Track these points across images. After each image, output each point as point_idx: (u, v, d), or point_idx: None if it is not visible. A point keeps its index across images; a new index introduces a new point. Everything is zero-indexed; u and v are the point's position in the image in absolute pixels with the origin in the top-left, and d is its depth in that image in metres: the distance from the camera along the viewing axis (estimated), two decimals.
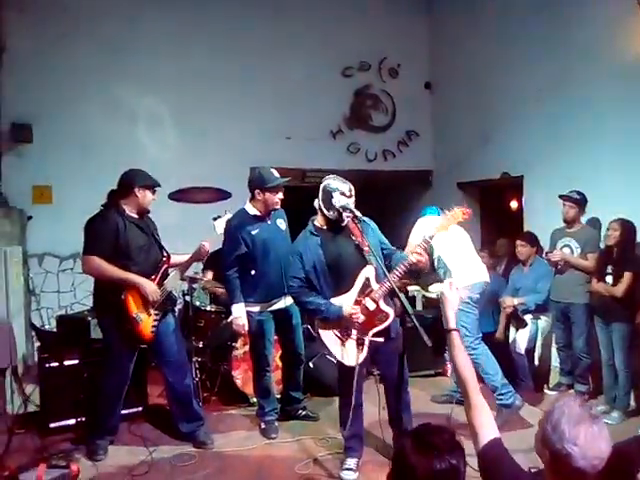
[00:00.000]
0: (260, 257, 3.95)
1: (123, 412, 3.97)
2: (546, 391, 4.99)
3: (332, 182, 3.40)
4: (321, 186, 3.42)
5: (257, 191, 3.92)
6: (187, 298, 4.83)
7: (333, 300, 3.37)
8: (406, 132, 7.37)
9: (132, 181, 3.70)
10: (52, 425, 3.97)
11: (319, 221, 3.48)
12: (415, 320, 2.73)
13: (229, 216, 3.98)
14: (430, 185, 7.58)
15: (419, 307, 6.07)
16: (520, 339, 4.98)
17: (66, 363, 4.04)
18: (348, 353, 3.37)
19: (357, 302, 3.35)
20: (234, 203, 6.22)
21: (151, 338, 3.70)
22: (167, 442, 3.93)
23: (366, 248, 3.32)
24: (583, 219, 4.82)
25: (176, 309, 4.14)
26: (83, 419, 3.97)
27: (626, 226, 4.28)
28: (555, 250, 4.77)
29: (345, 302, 3.35)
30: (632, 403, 4.38)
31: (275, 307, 4.07)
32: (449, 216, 3.39)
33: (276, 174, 3.97)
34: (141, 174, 3.76)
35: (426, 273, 4.61)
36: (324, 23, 6.85)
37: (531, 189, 5.94)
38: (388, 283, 3.26)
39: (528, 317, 5.02)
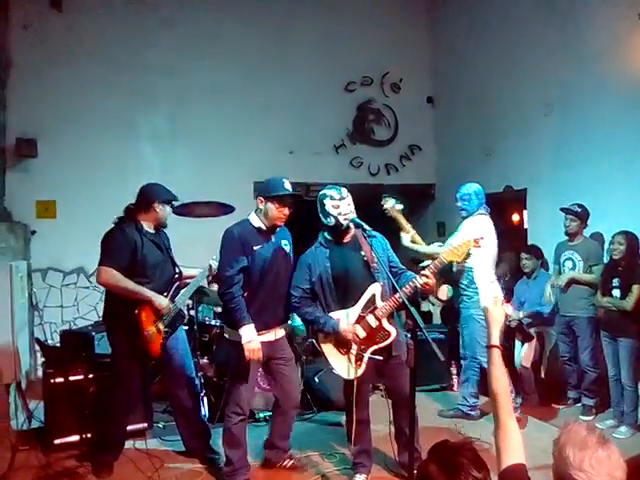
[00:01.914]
0: (257, 277, 3.40)
1: (128, 428, 3.93)
2: (552, 405, 4.95)
3: (324, 190, 3.41)
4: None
5: (260, 199, 3.43)
6: (192, 313, 4.80)
7: (337, 313, 3.36)
8: (408, 146, 7.41)
9: (153, 195, 3.68)
10: (56, 442, 3.92)
11: (329, 233, 3.47)
12: (426, 334, 2.71)
13: None
14: (433, 199, 7.60)
15: (437, 321, 6.02)
16: (526, 353, 4.95)
17: (71, 379, 4.00)
18: (346, 367, 3.37)
19: (360, 318, 3.34)
20: (238, 217, 6.23)
21: (159, 354, 3.66)
22: (173, 459, 3.90)
23: (374, 264, 3.31)
24: (586, 233, 4.82)
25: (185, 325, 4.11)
26: (88, 435, 3.92)
27: (631, 239, 4.28)
28: (558, 279, 4.78)
29: (348, 316, 3.34)
30: None
31: (263, 338, 3.44)
32: (462, 244, 3.37)
33: (287, 185, 3.43)
34: (161, 188, 3.75)
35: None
36: (327, 39, 6.92)
37: (534, 203, 5.96)
38: (393, 302, 3.25)
39: (533, 330, 5.01)
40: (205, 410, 4.50)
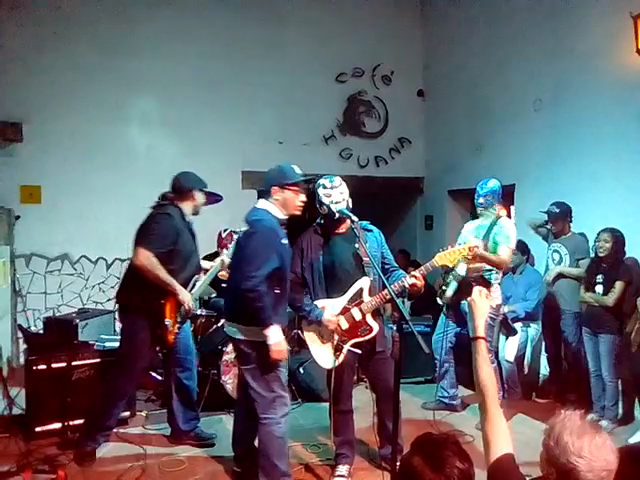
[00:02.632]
0: (285, 272, 3.20)
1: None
2: (535, 399, 5.00)
3: (319, 180, 3.41)
4: None
5: (275, 188, 3.15)
6: None
7: (323, 301, 3.38)
8: (398, 139, 7.40)
9: (192, 183, 3.73)
10: (37, 429, 3.89)
11: (324, 222, 3.46)
12: (412, 327, 2.72)
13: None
14: (421, 192, 7.61)
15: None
16: (510, 347, 4.99)
17: (54, 366, 3.96)
18: (325, 356, 3.41)
19: (345, 309, 3.36)
20: (225, 207, 6.20)
21: (173, 345, 3.76)
22: (156, 447, 3.88)
23: (366, 258, 3.32)
24: (573, 230, 4.85)
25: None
26: (70, 423, 3.89)
27: (617, 236, 4.31)
28: (547, 274, 4.81)
29: (333, 307, 3.36)
30: (621, 411, 4.41)
31: None
32: (455, 250, 3.41)
33: (298, 170, 3.23)
34: (196, 176, 3.79)
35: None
36: (319, 29, 6.87)
37: (522, 198, 5.98)
38: (379, 298, 3.30)
39: (518, 325, 5.04)
40: None
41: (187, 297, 3.65)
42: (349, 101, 7.16)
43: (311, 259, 3.38)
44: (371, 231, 3.48)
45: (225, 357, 4.52)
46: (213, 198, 5.28)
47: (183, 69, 6.27)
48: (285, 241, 3.20)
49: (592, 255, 4.60)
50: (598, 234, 4.40)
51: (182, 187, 3.71)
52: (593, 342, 4.38)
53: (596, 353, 4.36)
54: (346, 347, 3.36)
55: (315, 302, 3.39)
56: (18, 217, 5.69)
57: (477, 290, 2.11)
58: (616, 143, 4.93)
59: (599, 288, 4.34)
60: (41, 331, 5.13)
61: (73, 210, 5.91)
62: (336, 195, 3.32)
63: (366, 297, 3.33)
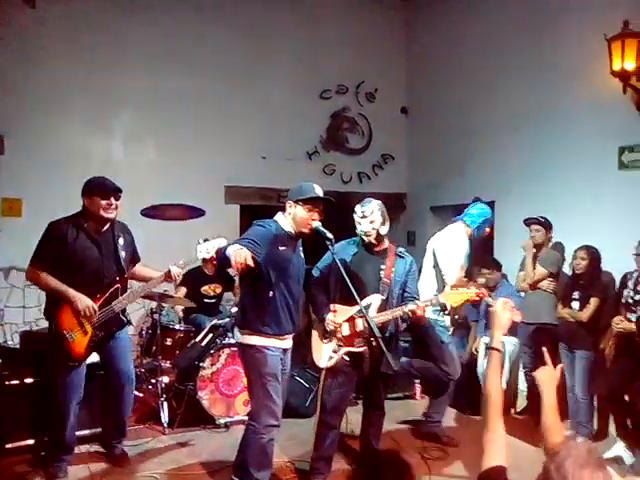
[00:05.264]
0: (281, 279, 3.22)
1: (83, 433, 3.89)
2: (513, 414, 5.01)
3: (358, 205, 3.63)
4: None
5: (289, 202, 3.25)
6: (155, 316, 4.75)
7: (337, 306, 3.50)
8: (381, 155, 7.46)
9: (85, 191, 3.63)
10: (8, 446, 3.82)
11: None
12: (382, 344, 2.76)
13: (221, 241, 3.21)
14: (404, 208, 7.65)
15: None
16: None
17: (27, 381, 3.92)
18: (320, 355, 3.53)
19: (351, 318, 3.47)
20: (208, 221, 6.22)
21: (83, 357, 3.56)
22: (129, 464, 3.82)
23: (386, 280, 3.47)
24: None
25: (128, 329, 3.94)
26: (45, 439, 3.83)
27: (592, 253, 4.36)
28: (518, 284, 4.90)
29: (345, 313, 3.48)
30: (595, 427, 4.43)
31: (280, 344, 3.30)
32: (463, 293, 3.47)
33: (318, 190, 3.25)
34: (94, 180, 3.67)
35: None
36: (304, 46, 6.93)
37: (502, 215, 6.02)
38: (382, 317, 3.40)
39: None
40: (165, 416, 4.45)
41: (83, 301, 3.44)
42: (333, 117, 7.21)
43: (337, 267, 3.38)
44: (403, 258, 3.62)
45: (202, 372, 4.49)
46: (195, 212, 5.20)
47: (167, 84, 6.28)
48: (283, 248, 3.20)
49: (569, 271, 4.64)
50: (575, 251, 4.45)
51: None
52: (569, 359, 4.40)
53: (572, 369, 4.37)
54: (340, 352, 3.46)
55: (332, 305, 3.52)
56: None
57: (501, 301, 2.14)
58: (594, 162, 5.02)
59: (575, 304, 4.38)
60: (17, 346, 5.06)
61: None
62: (366, 225, 3.52)
63: (372, 313, 3.41)
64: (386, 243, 3.62)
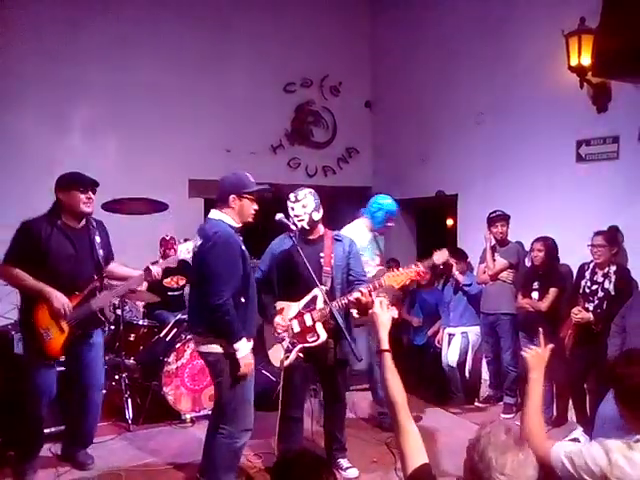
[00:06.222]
0: (249, 280, 3.18)
1: (47, 431, 3.78)
2: (477, 404, 5.12)
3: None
4: None
5: (233, 197, 3.12)
6: (118, 312, 4.67)
7: (283, 304, 3.49)
8: (346, 149, 7.48)
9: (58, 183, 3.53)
10: None
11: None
12: (348, 337, 2.80)
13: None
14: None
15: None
16: (452, 352, 5.10)
17: None
18: (276, 354, 3.51)
19: (300, 314, 3.46)
20: (171, 215, 6.12)
21: (59, 355, 3.48)
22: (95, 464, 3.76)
23: (327, 268, 3.43)
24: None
25: (103, 334, 3.86)
26: (9, 439, 3.72)
27: (548, 244, 4.49)
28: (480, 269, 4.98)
29: (292, 309, 3.47)
30: (555, 413, 4.56)
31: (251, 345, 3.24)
32: (403, 273, 3.48)
33: (252, 179, 3.24)
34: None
35: None
36: (267, 39, 6.88)
37: (465, 208, 6.15)
38: (326, 309, 3.37)
39: (458, 330, 5.16)
40: (130, 413, 4.39)
41: (59, 299, 3.33)
42: (297, 111, 7.18)
43: (277, 262, 3.46)
44: (341, 241, 3.58)
45: (167, 368, 4.45)
46: (158, 206, 5.10)
47: (129, 78, 6.15)
48: (244, 247, 3.16)
49: (528, 263, 4.77)
50: (532, 243, 4.57)
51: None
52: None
53: None
54: (294, 351, 3.46)
55: (276, 303, 3.50)
56: None
57: (378, 302, 2.06)
58: (552, 155, 5.15)
59: (535, 294, 4.51)
60: None
61: (16, 220, 5.66)
62: (298, 209, 3.45)
63: (319, 305, 3.41)
64: (321, 230, 3.57)
